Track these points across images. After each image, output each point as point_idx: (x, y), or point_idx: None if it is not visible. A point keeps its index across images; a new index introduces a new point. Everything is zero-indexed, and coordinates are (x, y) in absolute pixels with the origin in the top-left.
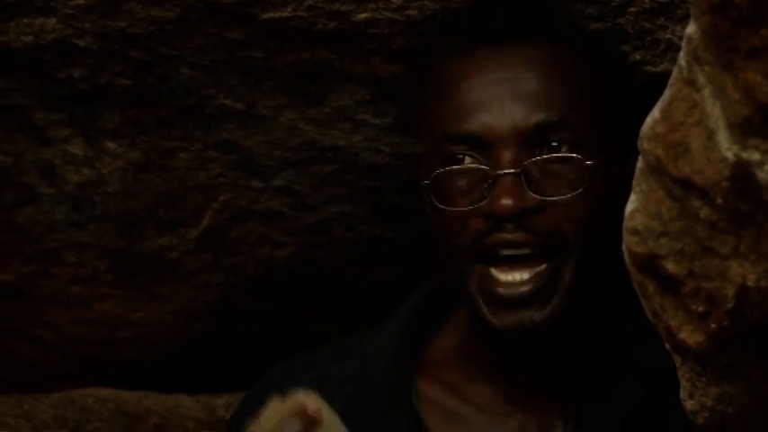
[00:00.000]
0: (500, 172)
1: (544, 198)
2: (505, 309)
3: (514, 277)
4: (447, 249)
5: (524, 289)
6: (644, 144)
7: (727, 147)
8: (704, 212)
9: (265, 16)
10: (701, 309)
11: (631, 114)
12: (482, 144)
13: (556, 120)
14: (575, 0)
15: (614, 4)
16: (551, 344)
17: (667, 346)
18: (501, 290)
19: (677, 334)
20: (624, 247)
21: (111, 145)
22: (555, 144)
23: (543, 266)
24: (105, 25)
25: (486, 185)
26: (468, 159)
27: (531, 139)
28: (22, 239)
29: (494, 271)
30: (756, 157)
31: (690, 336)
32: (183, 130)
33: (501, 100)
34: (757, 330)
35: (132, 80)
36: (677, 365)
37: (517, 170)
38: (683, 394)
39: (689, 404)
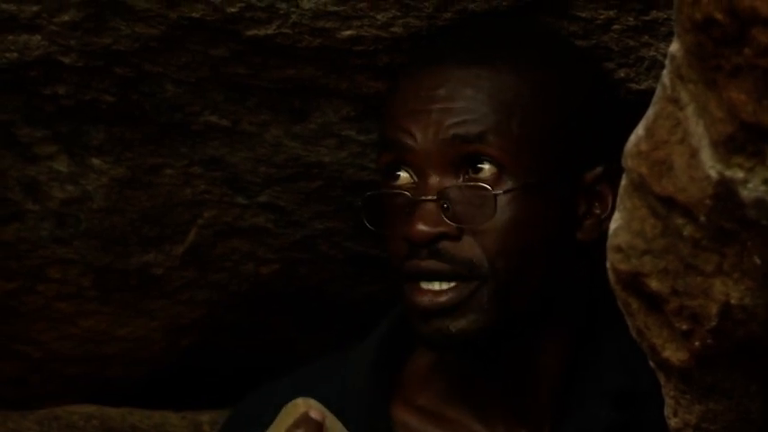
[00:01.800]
0: (420, 198)
1: (459, 225)
2: (425, 318)
3: (432, 286)
4: (390, 267)
5: (441, 299)
6: (628, 162)
7: (710, 165)
8: (688, 230)
9: (250, 33)
10: (684, 327)
11: (593, 132)
12: (410, 157)
13: (475, 133)
14: (559, 18)
15: (598, 21)
16: (505, 361)
17: (651, 364)
18: (420, 299)
19: (661, 352)
20: (608, 265)
21: (95, 161)
22: (479, 166)
23: (459, 286)
24: (90, 42)
25: (407, 210)
26: (403, 176)
27: (453, 156)
28: (6, 256)
29: (414, 286)
30: (740, 175)
31: (674, 354)
32: (167, 146)
33: (429, 112)
34: (741, 348)
35: (117, 97)
36: (662, 383)
37: (434, 197)
38: (667, 412)
39: (673, 422)
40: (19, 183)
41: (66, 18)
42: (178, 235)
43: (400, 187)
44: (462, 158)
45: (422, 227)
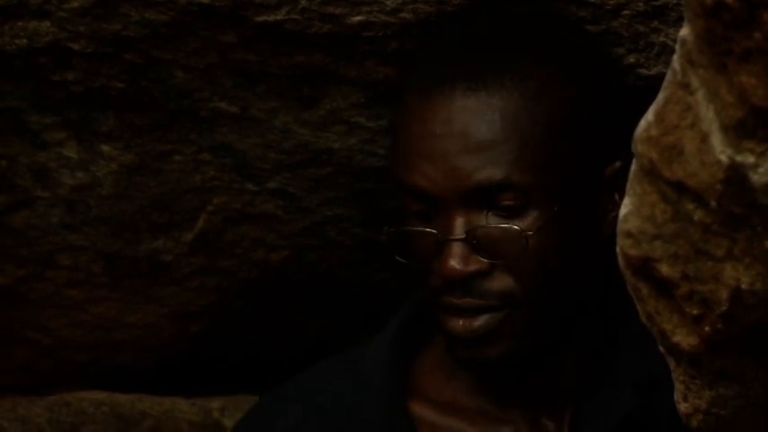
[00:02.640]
0: (448, 238)
1: (491, 261)
2: (462, 345)
3: (459, 322)
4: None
5: (476, 326)
6: (638, 147)
7: (720, 150)
8: (698, 215)
9: (259, 19)
10: (694, 312)
11: (609, 127)
12: (430, 198)
13: (499, 180)
14: (568, 3)
15: (608, 6)
16: (528, 366)
17: (661, 349)
18: (455, 327)
19: (671, 337)
20: (618, 250)
21: (105, 148)
22: (505, 203)
23: (491, 314)
24: (99, 28)
25: (435, 247)
26: (427, 212)
27: (477, 196)
28: (16, 243)
29: (448, 315)
30: (750, 159)
31: (684, 339)
32: (177, 133)
33: (446, 156)
34: (751, 333)
35: (126, 83)
36: (671, 368)
37: (463, 236)
38: (677, 397)
39: (683, 407)
40: (29, 169)
41: (75, 4)
42: (187, 221)
43: (422, 218)
44: (486, 197)
45: (454, 265)
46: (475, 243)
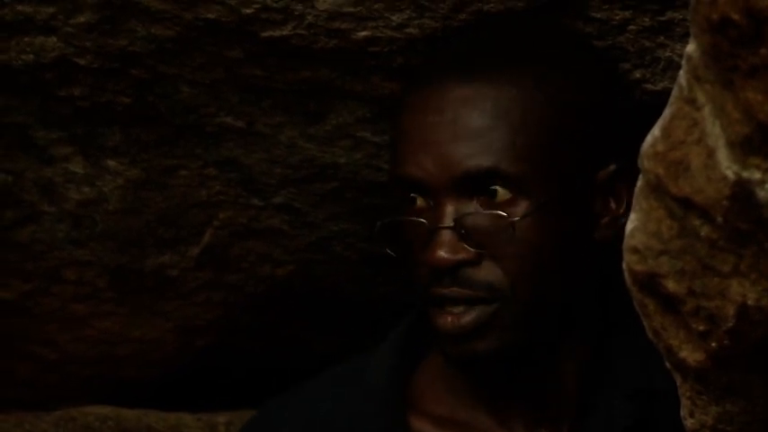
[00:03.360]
0: (437, 226)
1: (479, 251)
2: (451, 341)
3: (455, 309)
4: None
5: (464, 322)
6: (644, 162)
7: (727, 165)
8: (704, 231)
9: (265, 34)
10: (701, 327)
11: (604, 130)
12: (424, 188)
13: (487, 167)
14: (574, 18)
15: (614, 22)
16: (523, 369)
17: (668, 364)
18: (444, 323)
19: (678, 353)
20: (624, 266)
21: (111, 163)
22: (492, 189)
23: (481, 308)
24: (106, 44)
25: (425, 237)
26: (419, 201)
27: (467, 184)
28: (22, 257)
29: (438, 310)
30: (757, 176)
31: (690, 354)
32: (183, 148)
33: (438, 144)
34: (758, 349)
35: (132, 98)
36: (678, 384)
37: (452, 224)
38: (683, 413)
39: (689, 423)
40: (35, 184)
41: (81, 20)
42: (193, 236)
43: (416, 214)
44: (476, 185)
45: (442, 254)
46: (463, 232)
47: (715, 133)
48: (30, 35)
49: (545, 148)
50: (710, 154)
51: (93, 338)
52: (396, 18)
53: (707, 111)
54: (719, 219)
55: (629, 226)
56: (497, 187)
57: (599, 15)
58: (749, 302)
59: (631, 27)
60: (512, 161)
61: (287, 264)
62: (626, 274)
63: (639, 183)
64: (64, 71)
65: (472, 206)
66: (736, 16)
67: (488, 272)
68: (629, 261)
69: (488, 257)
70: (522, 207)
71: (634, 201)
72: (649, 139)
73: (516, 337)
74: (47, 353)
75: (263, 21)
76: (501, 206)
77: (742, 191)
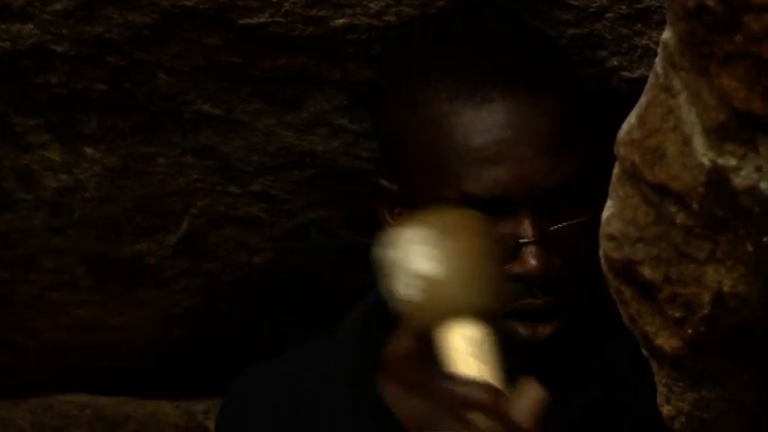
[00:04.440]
0: (524, 240)
1: (566, 259)
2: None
3: (536, 329)
4: None
5: (547, 332)
6: (620, 150)
7: (702, 152)
8: (680, 218)
9: (243, 22)
10: (677, 314)
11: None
12: (499, 204)
13: (568, 179)
14: (551, 6)
15: (591, 9)
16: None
17: (644, 351)
18: (533, 335)
19: (654, 340)
20: (600, 253)
21: (88, 150)
22: (567, 197)
23: (562, 319)
24: (82, 31)
25: (508, 250)
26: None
27: (549, 198)
28: None
29: (517, 325)
30: (732, 162)
31: (666, 341)
32: (160, 135)
33: (519, 160)
34: (734, 336)
35: (110, 86)
36: (654, 371)
37: (539, 238)
38: (659, 400)
39: (666, 410)
40: (12, 172)
41: (58, 7)
42: (171, 224)
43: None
44: (554, 196)
45: (537, 265)
46: (549, 243)
47: (691, 120)
48: (6, 22)
49: (590, 150)
50: (686, 141)
51: (71, 326)
52: (373, 5)
53: (683, 98)
54: (695, 206)
55: (606, 213)
56: (571, 195)
57: (576, 3)
58: (725, 289)
59: (608, 14)
60: (582, 169)
61: (264, 251)
62: (602, 261)
63: (616, 170)
64: (41, 58)
65: (553, 216)
66: (711, 3)
67: (573, 277)
68: (605, 248)
69: (569, 263)
70: (586, 208)
71: (610, 188)
72: (625, 126)
73: (567, 326)
74: (24, 340)
75: (240, 8)
76: (575, 212)
77: (717, 178)
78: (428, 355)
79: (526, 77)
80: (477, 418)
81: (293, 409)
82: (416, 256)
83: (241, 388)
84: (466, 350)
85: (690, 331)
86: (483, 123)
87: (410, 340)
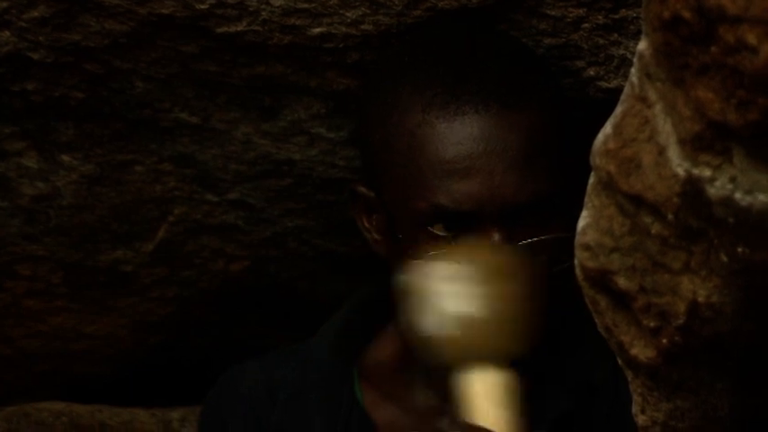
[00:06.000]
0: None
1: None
2: None
3: None
4: None
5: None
6: (596, 160)
7: (677, 163)
8: (655, 228)
9: (220, 30)
10: (652, 324)
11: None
12: (466, 217)
13: (541, 194)
14: (528, 16)
15: (568, 20)
16: None
17: (619, 361)
18: None
19: (629, 349)
20: (576, 263)
21: (65, 158)
22: (537, 211)
23: None
24: (59, 38)
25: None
26: (438, 229)
27: (521, 212)
28: None
29: None
30: (707, 173)
31: (641, 351)
32: (137, 143)
33: (491, 174)
34: (708, 345)
35: (86, 93)
36: (629, 380)
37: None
38: (634, 409)
39: (641, 419)
40: None
41: (35, 14)
42: (148, 232)
43: (437, 241)
44: (524, 210)
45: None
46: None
47: (666, 131)
48: None
49: (564, 164)
50: (661, 151)
51: (47, 334)
52: (350, 14)
53: (658, 108)
54: (670, 216)
55: (581, 223)
56: (545, 210)
57: (553, 12)
58: (699, 299)
59: (585, 25)
60: (557, 184)
61: (241, 259)
62: (578, 271)
63: (591, 180)
64: (17, 65)
65: (526, 231)
66: (687, 14)
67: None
68: (580, 258)
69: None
70: (562, 224)
71: (586, 198)
72: (601, 136)
73: (541, 338)
74: (0, 348)
75: (217, 16)
76: (550, 227)
77: (692, 188)
78: (409, 364)
79: (501, 91)
80: None
81: (272, 409)
82: (452, 293)
83: (222, 387)
84: (487, 396)
85: (665, 341)
86: (455, 136)
87: (393, 349)
